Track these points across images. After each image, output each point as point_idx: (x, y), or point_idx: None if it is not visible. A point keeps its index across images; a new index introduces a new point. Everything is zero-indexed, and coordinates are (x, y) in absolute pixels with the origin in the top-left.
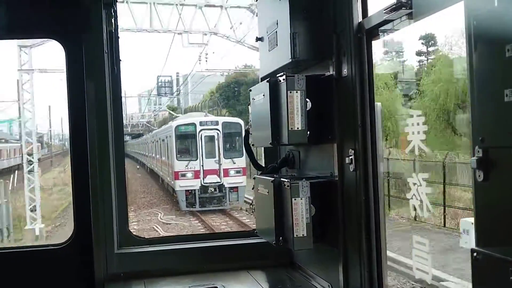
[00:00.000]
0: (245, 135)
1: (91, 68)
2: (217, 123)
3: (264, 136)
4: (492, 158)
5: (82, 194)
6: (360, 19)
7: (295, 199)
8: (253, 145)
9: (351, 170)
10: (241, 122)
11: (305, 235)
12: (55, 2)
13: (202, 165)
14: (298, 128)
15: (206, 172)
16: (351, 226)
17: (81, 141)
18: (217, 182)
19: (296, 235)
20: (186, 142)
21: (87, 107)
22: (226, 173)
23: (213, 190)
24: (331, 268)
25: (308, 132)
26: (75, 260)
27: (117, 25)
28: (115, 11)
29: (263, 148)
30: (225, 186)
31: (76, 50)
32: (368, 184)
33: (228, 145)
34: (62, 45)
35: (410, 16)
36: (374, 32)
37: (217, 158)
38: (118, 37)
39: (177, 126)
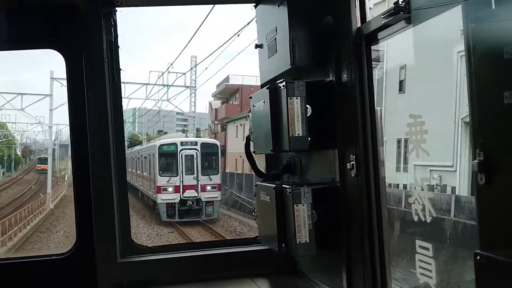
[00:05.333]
0: (246, 142)
1: (92, 77)
2: (196, 143)
3: (265, 143)
4: (493, 160)
5: (84, 203)
6: (359, 25)
7: (297, 206)
8: (254, 152)
9: (353, 175)
10: (218, 143)
11: (308, 241)
12: (54, 12)
13: (182, 181)
14: (299, 134)
15: (185, 187)
16: (353, 232)
17: (82, 150)
18: (195, 196)
19: (299, 242)
20: (168, 159)
21: (88, 116)
22: (203, 188)
23: (191, 203)
24: (335, 274)
25: (309, 138)
26: (78, 269)
27: (117, 34)
28: (115, 21)
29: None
30: (202, 200)
31: (76, 60)
32: (370, 188)
33: (206, 164)
34: (62, 54)
35: (408, 20)
36: (373, 37)
37: (195, 175)
38: (118, 46)
39: (161, 145)
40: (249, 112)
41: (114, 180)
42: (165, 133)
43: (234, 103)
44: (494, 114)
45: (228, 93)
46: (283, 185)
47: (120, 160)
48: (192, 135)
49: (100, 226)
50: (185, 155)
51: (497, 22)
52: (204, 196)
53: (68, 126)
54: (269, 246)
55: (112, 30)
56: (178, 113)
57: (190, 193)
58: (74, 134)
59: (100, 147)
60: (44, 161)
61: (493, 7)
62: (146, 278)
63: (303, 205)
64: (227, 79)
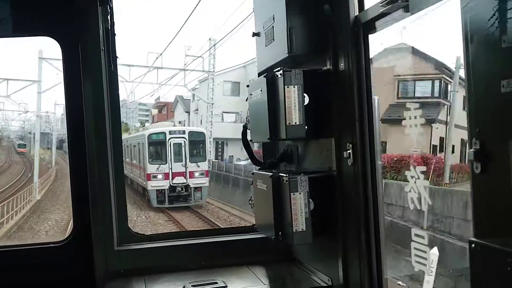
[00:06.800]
0: (243, 131)
1: (88, 66)
2: (184, 132)
3: (262, 131)
4: (489, 149)
5: (81, 191)
6: (357, 13)
7: (293, 194)
8: (251, 140)
9: (349, 164)
10: (205, 131)
11: (304, 229)
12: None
13: (171, 168)
14: (296, 123)
15: (174, 174)
16: (350, 220)
17: (79, 138)
18: (183, 183)
19: (296, 230)
20: (157, 148)
21: (85, 104)
22: (192, 175)
23: (180, 189)
24: (331, 262)
25: (306, 127)
26: (75, 257)
27: (113, 22)
28: (111, 8)
29: (261, 144)
30: (191, 186)
31: (73, 48)
32: (366, 177)
33: (193, 151)
34: (58, 42)
35: (406, 8)
36: (370, 26)
37: (184, 162)
38: (115, 34)
39: (150, 134)
40: (246, 101)
41: (111, 168)
42: (126, 124)
43: (163, 113)
44: (491, 103)
45: (160, 106)
46: (280, 174)
47: (117, 147)
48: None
49: (97, 214)
50: (174, 143)
51: (495, 10)
52: (192, 182)
53: (64, 114)
54: (266, 235)
55: (109, 18)
56: (140, 104)
57: (179, 179)
58: (71, 122)
59: (96, 135)
60: (22, 146)
61: None
62: (143, 266)
63: (299, 194)
64: (159, 98)
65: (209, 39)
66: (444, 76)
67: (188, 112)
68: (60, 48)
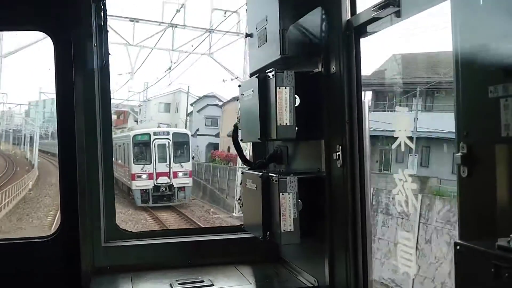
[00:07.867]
0: (233, 131)
1: (80, 62)
2: (168, 133)
3: (252, 132)
4: (476, 153)
5: (69, 187)
6: (349, 17)
7: (282, 194)
8: (241, 140)
9: (339, 166)
10: (189, 132)
11: (292, 230)
12: None
13: (155, 168)
14: (286, 123)
15: (159, 174)
16: (337, 222)
17: (69, 134)
18: (167, 183)
19: (284, 230)
20: (142, 148)
21: (75, 100)
22: (175, 175)
23: (164, 189)
24: (318, 263)
25: (297, 128)
26: (62, 253)
27: (106, 18)
28: (104, 4)
29: (251, 144)
30: (174, 186)
31: (65, 43)
32: (355, 179)
33: (177, 152)
34: (50, 37)
35: (397, 14)
36: (362, 30)
37: (168, 163)
38: (107, 31)
39: (135, 135)
40: (237, 101)
41: (100, 164)
42: None
43: (121, 119)
44: (478, 108)
45: (119, 113)
46: (270, 174)
47: (106, 145)
48: None
49: (85, 210)
50: (158, 144)
51: (485, 16)
52: (176, 182)
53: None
54: (254, 234)
55: (102, 14)
56: None
57: (163, 179)
58: (61, 118)
59: (87, 131)
60: None
61: (481, 2)
62: (130, 263)
63: (288, 194)
64: (117, 105)
65: (144, 83)
66: None
67: (137, 121)
68: (52, 43)
